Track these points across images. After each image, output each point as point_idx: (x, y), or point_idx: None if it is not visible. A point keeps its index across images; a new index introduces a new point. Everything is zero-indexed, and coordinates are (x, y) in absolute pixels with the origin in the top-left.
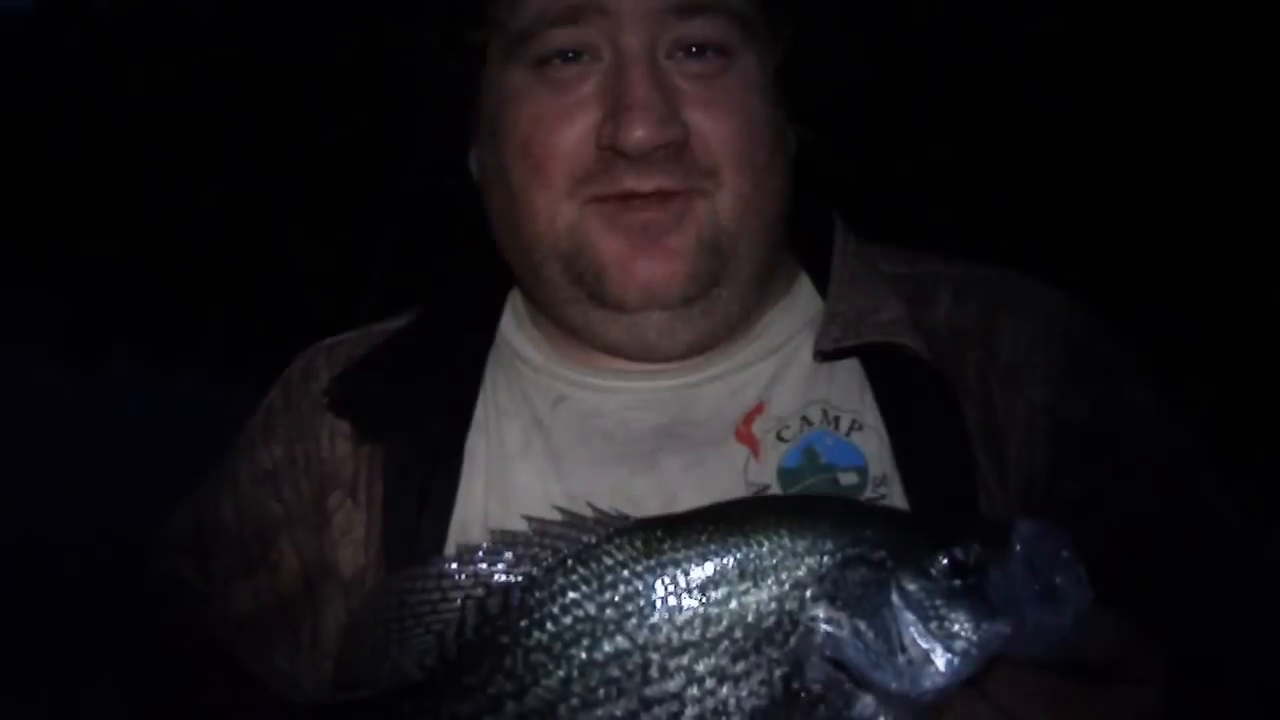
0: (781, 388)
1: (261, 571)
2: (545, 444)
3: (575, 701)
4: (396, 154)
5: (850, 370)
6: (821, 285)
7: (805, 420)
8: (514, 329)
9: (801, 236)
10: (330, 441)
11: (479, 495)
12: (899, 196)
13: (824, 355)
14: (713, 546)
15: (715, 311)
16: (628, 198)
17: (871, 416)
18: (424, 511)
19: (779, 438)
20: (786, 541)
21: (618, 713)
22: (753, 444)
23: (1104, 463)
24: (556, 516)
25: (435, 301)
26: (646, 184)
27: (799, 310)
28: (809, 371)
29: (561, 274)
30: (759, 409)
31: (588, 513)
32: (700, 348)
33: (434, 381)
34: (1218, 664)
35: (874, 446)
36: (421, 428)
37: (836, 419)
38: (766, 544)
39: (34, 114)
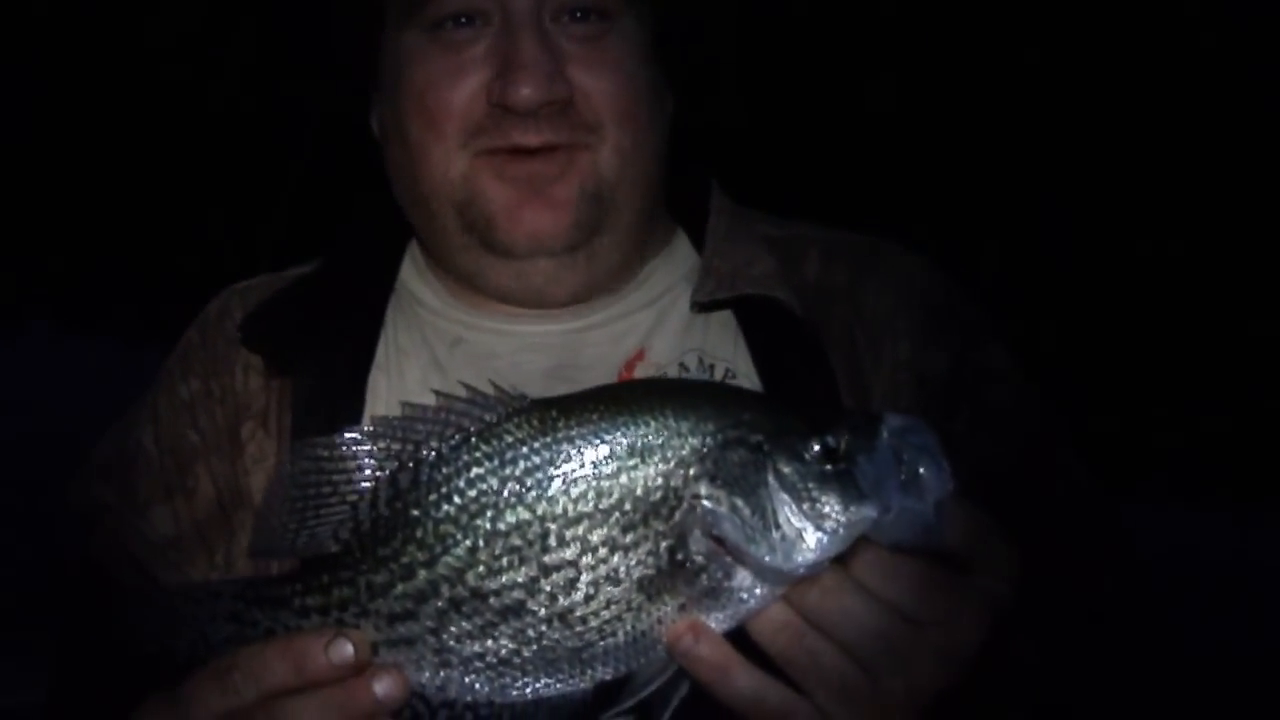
0: (661, 336)
1: (179, 496)
2: (443, 382)
3: (481, 569)
4: (301, 119)
5: (725, 322)
6: (698, 243)
7: (683, 366)
8: (413, 276)
9: (680, 198)
10: (244, 375)
11: None
12: (781, 163)
13: (700, 306)
14: (604, 425)
15: (598, 258)
16: (516, 151)
17: (744, 364)
18: None
19: None
20: (672, 422)
21: (519, 579)
22: None
23: (962, 414)
24: (461, 393)
25: (340, 250)
26: (533, 138)
27: (677, 265)
28: (686, 322)
29: (454, 222)
30: (640, 355)
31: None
32: (584, 294)
33: (338, 322)
34: (1065, 591)
35: None
36: (327, 364)
37: (711, 366)
38: (653, 423)
39: None
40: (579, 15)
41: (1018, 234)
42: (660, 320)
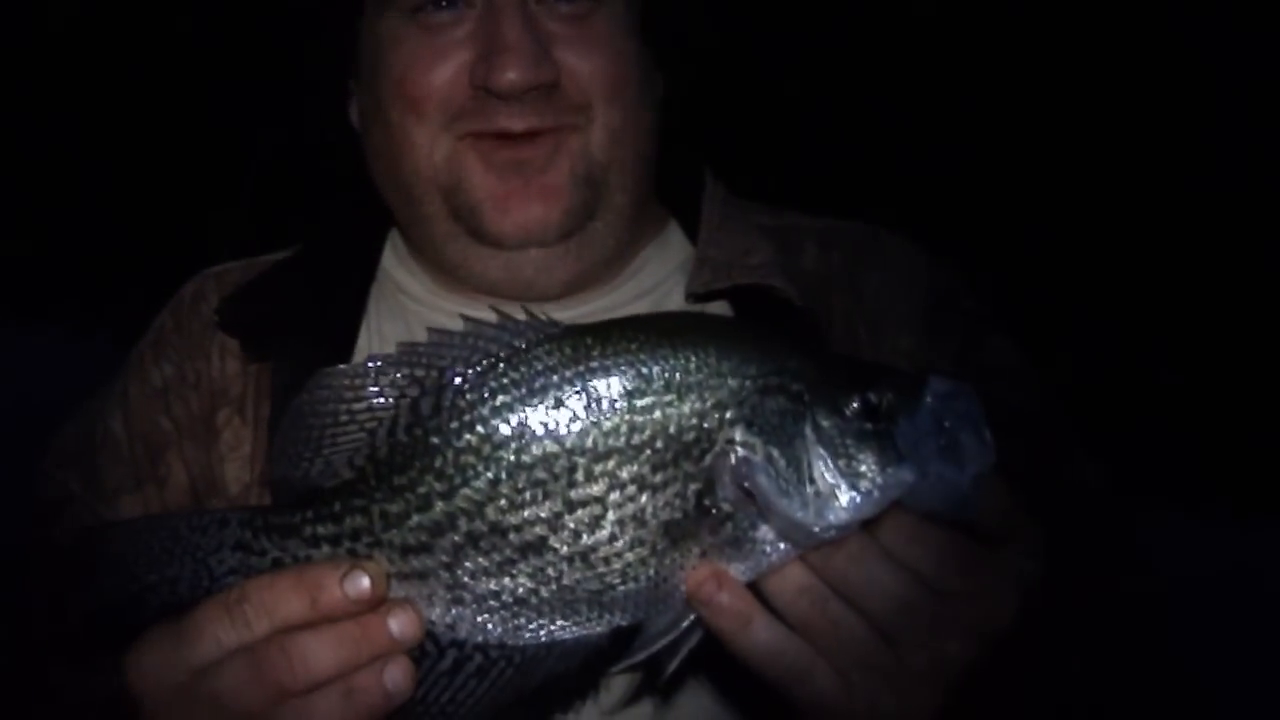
0: None
1: (150, 485)
2: None
3: (503, 502)
4: (261, 107)
5: (721, 312)
6: (691, 232)
7: None
8: (395, 264)
9: (673, 186)
10: (220, 360)
11: None
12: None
13: (696, 297)
14: (641, 356)
15: (591, 246)
16: (501, 135)
17: None
18: None
19: None
20: (712, 360)
21: (543, 514)
22: None
23: None
24: (491, 318)
25: (319, 236)
26: (519, 124)
27: (670, 255)
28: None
29: (440, 208)
30: None
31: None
32: (577, 286)
33: (319, 307)
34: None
35: None
36: (307, 350)
37: None
38: (694, 360)
39: None
40: None
41: (1018, 235)
42: (655, 310)
